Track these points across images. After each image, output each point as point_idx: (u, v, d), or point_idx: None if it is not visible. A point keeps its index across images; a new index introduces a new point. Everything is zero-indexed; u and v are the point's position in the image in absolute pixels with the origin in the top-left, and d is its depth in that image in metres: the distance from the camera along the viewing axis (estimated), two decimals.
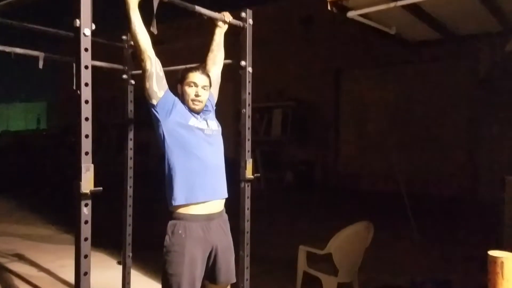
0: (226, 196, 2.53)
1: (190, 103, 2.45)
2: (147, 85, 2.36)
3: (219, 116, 2.71)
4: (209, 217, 2.40)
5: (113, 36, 3.50)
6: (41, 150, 14.75)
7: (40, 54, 2.79)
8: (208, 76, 2.53)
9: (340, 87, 11.61)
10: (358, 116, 11.16)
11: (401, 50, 5.93)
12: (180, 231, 2.31)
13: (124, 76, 3.22)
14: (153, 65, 2.34)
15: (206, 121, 2.52)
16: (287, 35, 12.02)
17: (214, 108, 2.72)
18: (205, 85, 2.49)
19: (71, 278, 4.36)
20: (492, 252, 2.02)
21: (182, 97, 2.47)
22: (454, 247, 5.63)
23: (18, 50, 2.73)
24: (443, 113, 9.52)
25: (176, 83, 2.52)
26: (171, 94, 2.44)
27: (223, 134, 2.62)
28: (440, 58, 8.91)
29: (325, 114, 11.72)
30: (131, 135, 3.33)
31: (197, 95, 2.45)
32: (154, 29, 2.27)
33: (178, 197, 2.34)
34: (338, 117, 11.65)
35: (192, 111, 2.46)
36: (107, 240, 4.65)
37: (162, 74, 2.40)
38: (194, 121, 2.44)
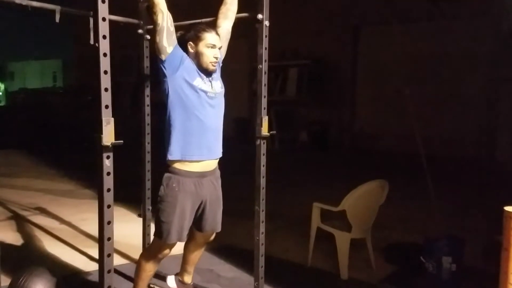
0: (220, 155, 2.68)
1: (209, 65, 2.50)
2: (157, 39, 2.38)
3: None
4: (202, 174, 2.58)
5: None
6: (58, 108, 14.93)
7: (57, 8, 2.77)
8: (218, 35, 2.57)
9: (358, 45, 11.34)
10: (376, 75, 10.94)
11: (422, 5, 5.72)
12: (174, 185, 2.50)
13: (140, 31, 3.19)
14: (165, 20, 2.35)
15: (211, 82, 2.56)
16: None
17: (221, 65, 2.75)
18: (220, 46, 2.58)
19: (92, 230, 4.55)
20: (507, 208, 2.03)
21: (196, 56, 2.50)
22: (470, 206, 5.64)
23: (35, 4, 2.71)
24: (463, 72, 9.28)
25: (185, 40, 2.52)
26: (180, 49, 2.47)
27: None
28: (462, 15, 8.60)
29: (342, 73, 11.52)
30: (147, 91, 3.34)
31: (216, 57, 2.51)
32: None
33: (174, 152, 2.49)
34: (355, 76, 11.45)
35: (202, 71, 2.51)
36: (126, 194, 4.78)
37: (172, 29, 2.41)
38: (199, 82, 2.49)
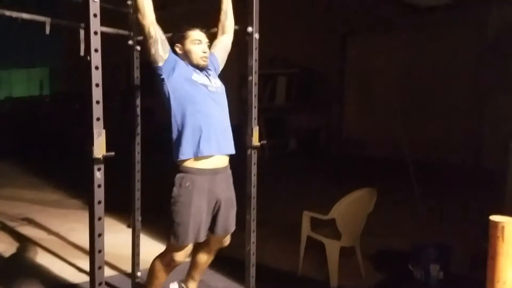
0: (233, 152, 2.63)
1: (199, 60, 2.54)
2: (153, 50, 2.41)
3: (223, 82, 2.74)
4: (214, 171, 2.53)
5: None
6: (45, 116, 14.79)
7: (47, 20, 2.77)
8: (205, 32, 2.64)
9: (345, 53, 11.47)
10: (364, 83, 11.08)
11: (409, 15, 5.83)
12: (187, 184, 2.45)
13: (130, 42, 3.20)
14: (157, 31, 2.39)
15: (209, 77, 2.59)
16: (291, 0, 11.79)
17: (218, 72, 2.80)
18: (208, 41, 2.61)
19: (80, 241, 4.51)
20: (493, 217, 2.07)
21: (186, 56, 2.55)
22: (456, 212, 5.72)
23: (25, 16, 2.71)
24: (449, 79, 9.43)
25: (171, 44, 2.56)
26: (173, 54, 2.52)
27: (227, 100, 2.69)
28: (448, 24, 8.75)
29: (330, 80, 11.63)
30: (137, 101, 3.35)
31: (204, 51, 2.55)
32: None
33: (186, 151, 2.44)
34: (343, 83, 11.57)
35: (196, 67, 2.55)
36: (115, 204, 4.76)
37: (164, 37, 2.46)
38: (197, 77, 2.53)
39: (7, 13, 2.67)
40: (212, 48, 2.76)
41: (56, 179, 7.85)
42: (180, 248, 2.51)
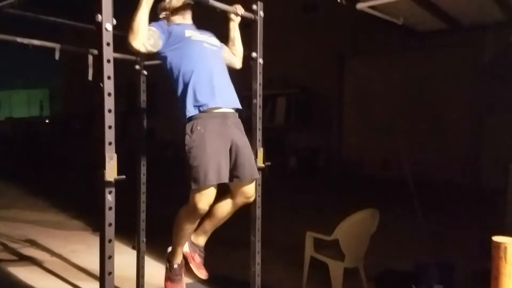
0: (239, 107, 2.64)
1: (186, 12, 2.65)
2: (150, 54, 2.54)
3: None
4: (224, 115, 2.51)
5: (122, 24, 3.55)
6: (45, 137, 14.86)
7: (56, 46, 2.87)
8: None
9: (343, 74, 11.63)
10: (362, 103, 11.21)
11: (406, 38, 5.99)
12: (199, 127, 2.41)
13: (137, 67, 3.29)
14: (146, 46, 2.44)
15: (205, 35, 2.66)
16: (291, 22, 12.00)
17: (223, 47, 2.84)
18: None
19: (83, 263, 4.51)
20: (495, 238, 2.11)
21: (173, 13, 2.64)
22: (458, 231, 5.74)
23: (36, 42, 2.79)
24: (447, 99, 9.56)
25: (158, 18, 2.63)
26: (162, 27, 2.54)
27: None
28: (445, 46, 8.91)
29: (329, 100, 11.77)
30: (144, 123, 3.41)
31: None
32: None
33: (191, 109, 2.44)
34: (341, 103, 11.70)
35: (186, 25, 2.63)
36: (119, 224, 4.78)
37: (152, 39, 2.46)
38: (190, 33, 2.57)
39: (19, 40, 2.76)
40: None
41: (57, 200, 7.86)
42: (203, 192, 2.37)
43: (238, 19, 2.83)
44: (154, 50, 2.49)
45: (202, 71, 2.48)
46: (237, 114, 2.63)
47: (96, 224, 2.08)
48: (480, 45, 8.56)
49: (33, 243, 5.32)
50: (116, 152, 1.97)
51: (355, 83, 11.33)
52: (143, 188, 3.42)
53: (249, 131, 2.82)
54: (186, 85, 2.46)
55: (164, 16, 2.65)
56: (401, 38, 6.42)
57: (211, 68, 2.53)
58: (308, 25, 11.75)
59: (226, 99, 2.55)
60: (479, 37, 7.82)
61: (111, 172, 1.96)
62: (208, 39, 2.67)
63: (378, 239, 4.02)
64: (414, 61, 9.89)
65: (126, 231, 4.48)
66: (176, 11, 2.64)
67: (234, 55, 2.91)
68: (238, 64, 2.95)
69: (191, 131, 2.41)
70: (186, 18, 2.71)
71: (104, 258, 2.03)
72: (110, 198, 1.99)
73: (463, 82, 9.30)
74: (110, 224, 2.01)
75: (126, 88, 6.29)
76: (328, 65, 11.60)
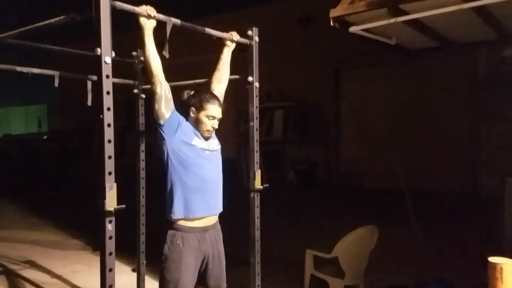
0: (221, 210, 2.72)
1: (205, 132, 2.62)
2: (156, 106, 2.50)
3: (222, 114, 2.81)
4: (204, 229, 2.63)
5: (123, 50, 3.61)
6: (44, 154, 14.85)
7: (56, 73, 2.91)
8: (222, 107, 2.68)
9: (340, 87, 11.72)
10: (359, 115, 11.28)
11: (399, 55, 6.08)
12: (178, 241, 2.54)
13: (135, 91, 3.33)
14: (163, 89, 2.48)
15: (208, 141, 2.67)
16: (287, 35, 12.12)
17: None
18: (220, 117, 2.66)
19: (83, 284, 4.52)
20: (492, 259, 2.14)
21: (196, 122, 2.61)
22: (456, 245, 5.75)
23: (35, 71, 2.84)
24: (443, 112, 9.64)
25: (189, 104, 2.63)
26: (177, 114, 2.58)
27: (223, 134, 2.76)
28: (439, 60, 9.01)
29: (326, 113, 11.84)
30: (142, 146, 3.45)
31: (214, 127, 2.63)
32: (166, 53, 2.39)
33: (177, 211, 2.54)
34: (339, 116, 11.76)
35: (199, 133, 2.62)
36: (120, 245, 4.79)
37: (170, 96, 2.53)
38: (197, 141, 2.60)
39: (18, 69, 2.81)
40: None
41: (56, 219, 7.86)
42: None
43: (233, 45, 2.87)
44: (163, 106, 2.49)
45: (197, 180, 2.56)
46: (217, 222, 2.73)
47: (95, 243, 2.11)
48: (474, 59, 8.68)
49: (33, 264, 5.32)
50: (115, 167, 2.01)
51: (352, 96, 11.41)
52: (143, 210, 3.45)
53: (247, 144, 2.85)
54: (178, 187, 2.54)
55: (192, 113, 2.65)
56: (396, 54, 6.51)
57: (206, 177, 2.60)
58: (304, 39, 11.86)
59: (212, 208, 2.64)
60: (472, 52, 7.92)
61: (111, 202, 1.99)
62: (211, 143, 2.68)
63: (378, 255, 4.04)
64: (410, 74, 9.99)
65: (126, 249, 4.53)
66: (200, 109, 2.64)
67: (221, 79, 2.88)
68: (224, 88, 2.92)
69: (171, 242, 2.55)
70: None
71: (105, 286, 2.05)
72: (110, 227, 2.02)
73: (459, 94, 9.40)
74: (110, 253, 2.03)
75: (125, 103, 6.32)
76: (325, 78, 11.69)
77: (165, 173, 2.59)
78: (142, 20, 2.34)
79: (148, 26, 2.36)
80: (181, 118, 2.59)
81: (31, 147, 15.94)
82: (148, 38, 2.36)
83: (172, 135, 2.53)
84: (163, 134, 2.54)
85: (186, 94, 2.68)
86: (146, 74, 2.51)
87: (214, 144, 2.71)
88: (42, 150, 15.31)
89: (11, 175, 12.50)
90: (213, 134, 2.76)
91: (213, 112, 2.60)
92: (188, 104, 2.63)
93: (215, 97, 2.66)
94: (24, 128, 25.58)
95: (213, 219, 2.70)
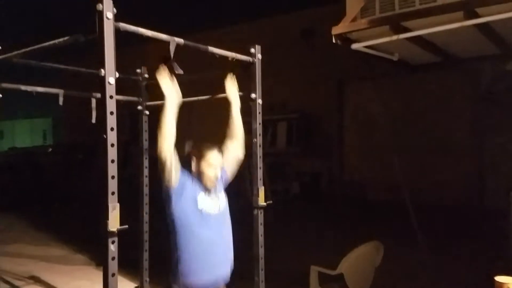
0: (229, 276, 2.65)
1: (208, 183, 2.59)
2: (167, 175, 2.49)
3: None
4: None
5: (126, 67, 3.64)
6: (48, 167, 14.88)
7: (60, 91, 2.93)
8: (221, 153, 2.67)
9: (343, 98, 11.72)
10: (362, 127, 11.26)
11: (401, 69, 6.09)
12: None
13: (139, 108, 3.35)
14: (173, 159, 2.47)
15: (217, 196, 2.64)
16: (290, 48, 12.17)
17: (227, 181, 2.81)
18: (221, 165, 2.67)
19: None
20: (498, 278, 2.11)
21: (197, 172, 2.60)
22: (462, 261, 5.68)
23: (40, 89, 2.86)
24: (447, 123, 9.61)
25: (189, 155, 2.63)
26: (184, 175, 2.57)
27: None
28: (442, 73, 9.01)
29: (329, 125, 11.84)
30: (146, 163, 3.45)
31: (216, 176, 2.61)
32: (178, 71, 2.40)
33: (182, 280, 2.51)
34: (342, 127, 11.75)
35: (203, 187, 2.60)
36: (123, 260, 4.77)
37: (178, 164, 2.53)
38: (203, 202, 2.56)
39: (23, 87, 2.83)
40: (224, 159, 2.73)
41: (61, 233, 7.85)
42: None
43: (239, 104, 2.80)
44: (174, 174, 2.49)
45: (203, 246, 2.52)
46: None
47: (99, 258, 2.10)
48: (476, 73, 8.67)
49: (37, 280, 5.31)
50: (118, 180, 2.01)
51: (355, 108, 11.41)
52: (146, 227, 3.44)
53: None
54: (184, 252, 2.52)
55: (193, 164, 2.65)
56: (398, 68, 6.53)
57: (213, 242, 2.56)
58: (307, 51, 11.91)
59: (218, 276, 2.60)
60: (474, 66, 7.93)
61: (114, 222, 1.99)
62: (219, 199, 2.66)
63: (383, 271, 4.00)
64: (412, 87, 9.99)
65: (129, 264, 4.51)
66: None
67: (233, 136, 2.81)
68: (241, 152, 2.84)
69: None
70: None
71: None
72: (113, 248, 2.01)
73: (462, 107, 9.38)
74: (113, 274, 2.02)
75: (129, 116, 6.36)
76: (328, 90, 11.70)
77: (174, 236, 2.56)
78: (167, 92, 2.39)
79: (172, 101, 2.40)
80: (186, 176, 2.57)
81: (36, 159, 15.97)
82: (170, 111, 2.39)
83: (179, 198, 2.53)
84: (171, 196, 2.53)
85: (187, 145, 2.70)
86: (158, 141, 2.42)
87: (222, 201, 2.66)
88: (47, 163, 15.34)
89: (16, 188, 12.51)
90: (221, 186, 2.74)
91: (212, 160, 2.59)
92: (189, 155, 2.64)
93: (214, 145, 2.65)
94: (29, 141, 25.72)
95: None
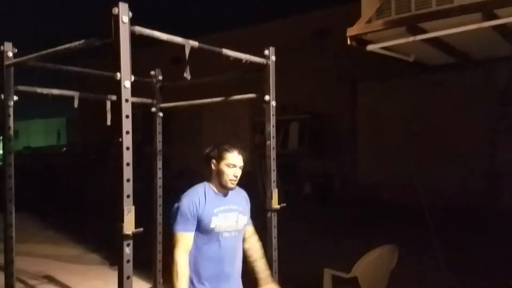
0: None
1: (228, 182, 2.54)
2: None
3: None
4: None
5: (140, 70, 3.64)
6: (62, 167, 15.05)
7: (75, 94, 2.95)
8: (243, 155, 2.62)
9: (356, 99, 11.66)
10: (375, 127, 11.18)
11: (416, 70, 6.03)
12: None
13: (153, 109, 3.36)
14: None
15: (235, 209, 2.58)
16: (302, 48, 12.14)
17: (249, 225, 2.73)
18: (242, 165, 2.60)
19: None
20: None
21: (217, 174, 2.55)
22: (477, 265, 5.61)
23: (55, 92, 2.88)
24: (462, 124, 9.50)
25: (209, 157, 2.59)
26: (193, 205, 2.49)
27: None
28: (458, 74, 8.91)
29: (341, 126, 11.78)
30: (159, 164, 3.46)
31: (235, 176, 2.55)
32: (187, 75, 2.39)
33: None
34: (354, 128, 11.69)
35: (224, 188, 2.56)
36: (138, 260, 4.79)
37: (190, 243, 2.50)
38: (216, 221, 2.50)
39: (38, 90, 2.85)
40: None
41: (73, 233, 7.91)
42: None
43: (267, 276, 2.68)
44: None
45: (214, 270, 2.51)
46: None
47: (113, 258, 2.09)
48: (492, 73, 8.56)
49: (51, 279, 5.35)
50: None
51: (367, 109, 11.33)
52: (160, 228, 3.44)
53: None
54: (192, 263, 2.49)
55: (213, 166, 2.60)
56: (413, 68, 6.47)
57: (223, 266, 2.53)
58: (319, 51, 11.87)
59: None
60: (490, 66, 7.83)
61: (129, 225, 1.99)
62: (238, 217, 2.60)
63: (397, 273, 3.96)
64: (427, 88, 9.89)
65: (144, 264, 4.53)
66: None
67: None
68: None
69: None
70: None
71: None
72: (128, 251, 2.02)
73: (477, 107, 9.26)
74: (128, 277, 2.03)
75: (142, 116, 6.41)
76: (341, 90, 11.64)
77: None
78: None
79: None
80: (197, 203, 2.50)
81: (50, 159, 16.19)
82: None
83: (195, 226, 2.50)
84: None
85: (206, 151, 2.63)
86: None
87: (241, 220, 2.60)
88: (61, 163, 15.52)
89: (30, 187, 12.67)
90: (241, 192, 2.70)
91: (232, 160, 2.53)
92: (209, 158, 2.58)
93: (234, 146, 2.59)
94: (43, 141, 26.05)
95: None
